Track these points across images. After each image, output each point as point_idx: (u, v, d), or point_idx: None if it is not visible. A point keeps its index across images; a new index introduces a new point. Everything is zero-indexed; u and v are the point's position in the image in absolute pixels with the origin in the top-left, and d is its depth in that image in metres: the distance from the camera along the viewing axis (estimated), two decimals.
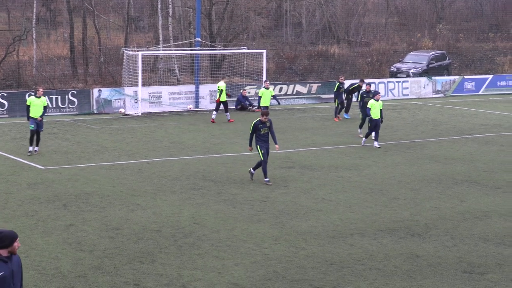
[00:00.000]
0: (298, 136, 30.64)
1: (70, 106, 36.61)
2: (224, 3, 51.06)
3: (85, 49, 46.11)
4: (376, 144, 27.91)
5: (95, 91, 37.40)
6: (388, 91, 45.44)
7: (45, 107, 26.00)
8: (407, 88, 46.30)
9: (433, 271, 14.17)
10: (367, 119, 28.39)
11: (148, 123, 34.43)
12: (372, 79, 45.03)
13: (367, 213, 18.43)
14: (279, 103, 36.70)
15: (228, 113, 34.94)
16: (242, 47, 43.59)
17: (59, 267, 14.00)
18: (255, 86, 41.14)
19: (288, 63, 52.65)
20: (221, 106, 34.86)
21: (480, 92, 48.42)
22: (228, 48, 45.41)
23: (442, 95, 47.08)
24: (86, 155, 25.97)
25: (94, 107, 37.15)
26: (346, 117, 36.25)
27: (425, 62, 50.33)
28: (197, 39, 40.25)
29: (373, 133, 27.91)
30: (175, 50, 44.71)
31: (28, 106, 25.87)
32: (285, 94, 42.16)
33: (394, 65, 51.36)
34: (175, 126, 33.37)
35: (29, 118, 25.79)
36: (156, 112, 37.76)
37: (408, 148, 28.10)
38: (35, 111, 25.73)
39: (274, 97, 35.08)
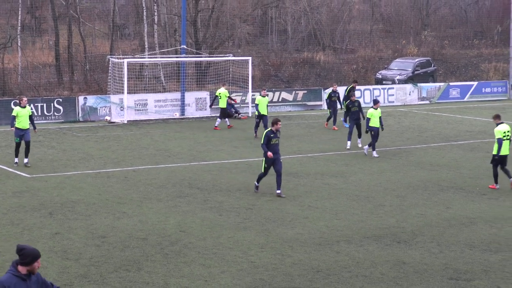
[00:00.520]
0: (284, 143, 30.55)
1: (55, 114, 36.49)
2: (209, 10, 51.11)
3: (71, 56, 46.01)
4: (366, 148, 27.81)
5: (81, 99, 37.30)
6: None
7: (31, 116, 25.00)
8: (393, 95, 46.41)
9: (420, 278, 14.21)
10: (366, 128, 27.82)
11: (134, 130, 34.37)
12: (357, 86, 44.93)
13: (353, 220, 18.46)
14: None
15: (220, 120, 35.02)
16: (227, 55, 43.58)
17: (45, 275, 13.86)
18: (241, 94, 41.17)
19: (273, 70, 52.67)
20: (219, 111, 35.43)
21: (465, 99, 48.61)
22: (214, 55, 45.42)
23: (427, 101, 47.23)
24: (72, 163, 25.89)
25: (80, 115, 37.05)
26: (346, 125, 34.43)
27: (410, 69, 50.44)
28: (182, 46, 40.24)
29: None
30: (161, 57, 44.69)
31: (14, 117, 24.85)
32: (271, 101, 42.15)
33: (380, 72, 51.40)
34: (161, 134, 33.32)
35: (13, 125, 24.93)
36: (142, 120, 37.69)
37: (394, 155, 28.17)
38: (22, 122, 24.75)
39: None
